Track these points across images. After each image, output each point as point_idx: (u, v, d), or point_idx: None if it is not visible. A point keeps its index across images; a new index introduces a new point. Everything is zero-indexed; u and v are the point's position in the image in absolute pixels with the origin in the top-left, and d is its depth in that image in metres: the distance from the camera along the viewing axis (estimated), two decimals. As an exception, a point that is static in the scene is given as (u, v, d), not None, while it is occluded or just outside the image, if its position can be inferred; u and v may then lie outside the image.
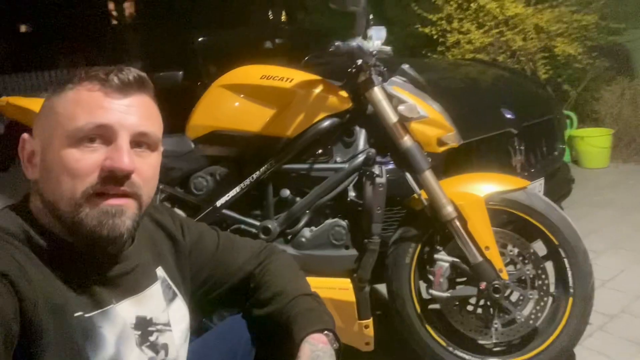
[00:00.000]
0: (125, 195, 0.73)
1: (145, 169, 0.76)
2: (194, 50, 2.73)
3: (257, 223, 1.56)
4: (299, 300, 0.92)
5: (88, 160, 0.71)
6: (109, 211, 0.72)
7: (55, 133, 0.72)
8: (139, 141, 0.75)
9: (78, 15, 6.14)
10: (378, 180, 1.49)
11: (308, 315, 0.89)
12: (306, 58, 2.41)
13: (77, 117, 0.71)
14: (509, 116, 2.26)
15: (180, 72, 2.47)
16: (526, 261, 1.57)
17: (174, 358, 0.85)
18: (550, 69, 4.00)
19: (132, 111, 0.74)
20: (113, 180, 0.71)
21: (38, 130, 0.76)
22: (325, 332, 0.86)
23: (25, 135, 0.77)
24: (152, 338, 0.81)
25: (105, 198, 0.72)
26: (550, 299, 1.60)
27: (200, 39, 2.77)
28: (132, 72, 0.75)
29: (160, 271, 0.88)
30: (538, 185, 2.28)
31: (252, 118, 1.55)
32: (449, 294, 1.54)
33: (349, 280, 1.48)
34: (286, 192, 1.56)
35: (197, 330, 1.09)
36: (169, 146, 1.59)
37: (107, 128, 0.72)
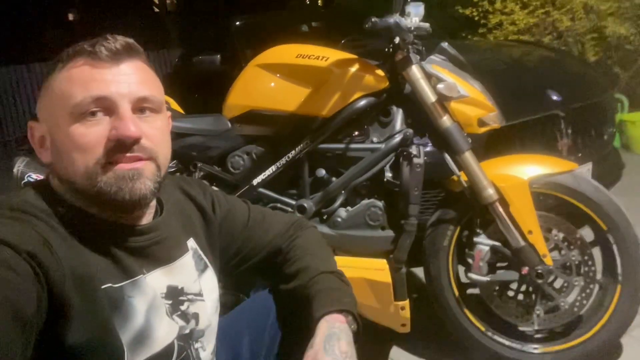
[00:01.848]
0: (139, 159, 0.73)
1: (153, 132, 0.75)
2: (231, 34, 2.75)
3: (293, 202, 1.56)
4: (322, 277, 0.91)
5: (94, 134, 0.71)
6: (126, 175, 0.72)
7: (58, 113, 0.72)
8: (141, 107, 0.75)
9: (123, 3, 6.35)
10: (415, 160, 1.46)
11: (329, 294, 0.87)
12: (343, 40, 2.39)
13: (73, 94, 0.71)
14: (555, 98, 2.18)
15: (218, 56, 2.50)
16: (572, 247, 1.51)
17: (205, 327, 0.86)
18: (599, 51, 3.82)
19: (127, 78, 0.73)
20: (123, 149, 0.71)
21: (42, 113, 0.76)
22: (344, 312, 0.85)
23: (31, 122, 0.77)
24: (183, 307, 0.82)
25: (119, 164, 0.72)
26: (597, 287, 1.53)
27: (237, 23, 2.79)
28: (118, 40, 0.74)
29: (191, 242, 0.88)
30: (586, 170, 2.19)
31: (288, 97, 1.54)
32: (488, 278, 1.50)
33: (385, 261, 1.47)
34: (322, 172, 1.55)
35: (232, 304, 1.10)
36: (206, 125, 1.62)
37: (106, 99, 0.71)
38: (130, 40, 0.76)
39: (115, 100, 0.71)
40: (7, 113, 6.17)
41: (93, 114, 0.71)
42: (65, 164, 0.72)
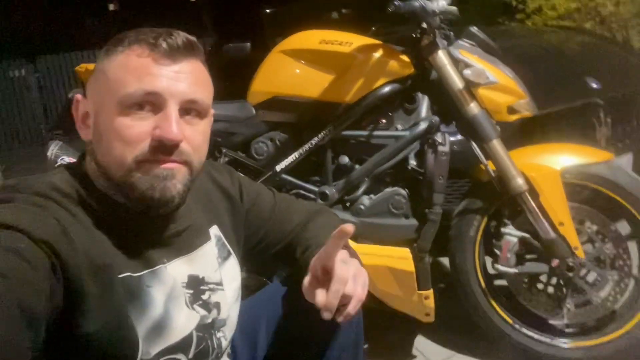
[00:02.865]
0: (174, 161, 0.73)
1: (195, 136, 0.75)
2: (261, 22, 2.76)
3: (316, 189, 1.56)
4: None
5: (138, 128, 0.70)
6: (160, 175, 0.72)
7: (107, 97, 0.72)
8: (188, 108, 0.74)
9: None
10: (441, 148, 1.43)
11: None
12: (373, 28, 2.36)
13: (126, 83, 0.71)
14: (594, 85, 2.09)
15: (248, 44, 2.51)
16: (606, 239, 1.46)
17: (226, 317, 0.85)
18: (646, 37, 3.63)
19: (181, 78, 0.72)
20: (162, 149, 0.71)
21: (91, 92, 0.76)
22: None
23: (78, 96, 0.77)
24: (204, 297, 0.82)
25: (156, 163, 0.71)
26: (633, 282, 1.48)
27: (267, 11, 2.80)
28: (180, 36, 0.73)
29: (214, 230, 0.88)
30: (626, 162, 2.11)
31: (311, 84, 1.54)
32: (517, 270, 1.47)
33: (408, 249, 1.45)
34: (345, 159, 1.54)
35: (256, 288, 1.11)
36: (230, 112, 1.63)
37: (156, 95, 0.71)
38: (192, 39, 0.75)
39: (165, 97, 0.71)
40: (51, 101, 6.39)
41: (140, 107, 0.71)
42: (104, 150, 0.73)
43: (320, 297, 0.76)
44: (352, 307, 0.78)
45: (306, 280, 0.79)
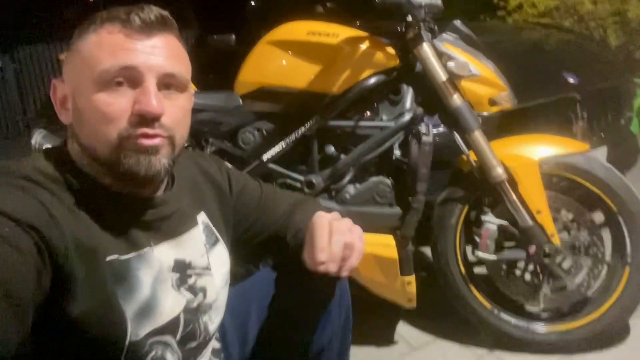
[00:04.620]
0: (158, 135, 0.72)
1: (175, 110, 0.74)
2: (246, 14, 2.76)
3: (302, 177, 1.58)
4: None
5: (118, 105, 0.70)
6: (145, 150, 0.71)
7: (83, 77, 0.71)
8: (167, 82, 0.73)
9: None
10: (424, 138, 1.46)
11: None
12: (358, 22, 2.38)
13: (101, 60, 0.70)
14: (571, 80, 2.14)
15: (233, 36, 2.51)
16: (581, 228, 1.51)
17: (212, 301, 0.86)
18: (621, 35, 3.72)
19: (157, 52, 0.72)
20: (144, 123, 0.70)
21: (67, 74, 0.75)
22: None
23: (55, 81, 0.76)
24: (190, 281, 0.82)
25: (140, 138, 0.71)
26: (605, 268, 1.53)
27: (252, 4, 2.80)
28: (153, 11, 0.73)
29: (202, 216, 0.88)
30: (600, 154, 2.15)
31: (298, 74, 1.55)
32: (495, 257, 1.51)
33: (391, 236, 1.48)
34: (331, 149, 1.56)
35: (243, 276, 1.12)
36: (217, 101, 1.64)
37: (133, 69, 0.70)
38: (165, 13, 0.74)
39: (142, 72, 0.70)
40: (29, 92, 6.27)
41: (119, 83, 0.70)
42: (86, 130, 0.72)
43: (322, 253, 0.78)
44: (355, 259, 0.80)
45: (305, 250, 0.82)
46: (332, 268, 0.78)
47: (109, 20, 0.72)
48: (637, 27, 3.73)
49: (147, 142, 0.71)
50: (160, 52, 0.72)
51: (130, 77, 0.71)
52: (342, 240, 0.79)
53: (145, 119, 0.71)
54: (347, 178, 1.56)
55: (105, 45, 0.71)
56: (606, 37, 3.70)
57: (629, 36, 3.80)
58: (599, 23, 3.74)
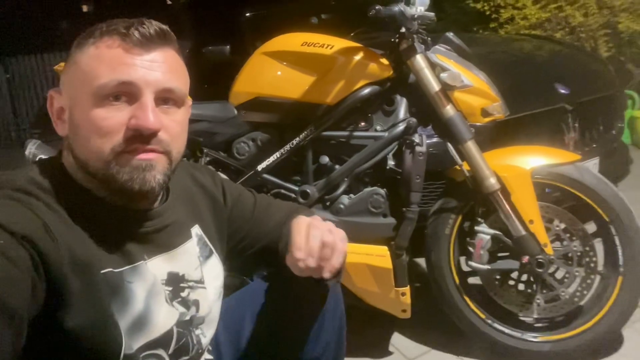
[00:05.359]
0: (153, 151, 0.72)
1: (172, 125, 0.74)
2: (241, 25, 2.77)
3: (297, 188, 1.58)
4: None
5: (114, 119, 0.69)
6: (140, 166, 0.71)
7: (81, 90, 0.71)
8: (165, 97, 0.73)
9: (136, -5, 6.40)
10: (418, 149, 1.47)
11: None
12: (352, 34, 2.40)
13: (100, 74, 0.69)
14: (563, 91, 2.16)
15: (228, 47, 2.53)
16: (573, 237, 1.52)
17: (205, 314, 0.85)
18: (612, 47, 3.77)
19: (156, 67, 0.71)
20: (140, 139, 0.70)
21: (64, 86, 0.75)
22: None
23: (52, 92, 0.76)
24: (183, 294, 0.81)
25: (135, 154, 0.71)
26: (598, 278, 1.54)
27: (247, 15, 2.81)
28: (153, 25, 0.72)
29: (196, 229, 0.87)
30: (592, 165, 2.18)
31: (293, 85, 1.56)
32: (489, 267, 1.52)
33: (386, 247, 1.48)
34: (325, 159, 1.57)
35: (236, 287, 1.12)
36: (212, 112, 1.65)
37: (131, 85, 0.70)
38: (165, 28, 0.74)
39: (140, 87, 0.70)
40: (21, 103, 6.25)
41: (116, 98, 0.70)
42: (81, 143, 0.72)
43: (299, 250, 0.78)
44: (335, 260, 0.79)
45: (288, 255, 0.82)
46: (310, 263, 0.77)
47: (109, 33, 0.72)
48: (627, 39, 3.79)
49: (141, 157, 0.71)
50: (159, 67, 0.72)
51: (128, 92, 0.70)
52: (320, 236, 0.79)
53: (142, 135, 0.70)
54: (342, 188, 1.57)
55: (104, 59, 0.70)
56: (597, 48, 3.75)
57: (620, 48, 3.85)
58: (590, 35, 3.78)
